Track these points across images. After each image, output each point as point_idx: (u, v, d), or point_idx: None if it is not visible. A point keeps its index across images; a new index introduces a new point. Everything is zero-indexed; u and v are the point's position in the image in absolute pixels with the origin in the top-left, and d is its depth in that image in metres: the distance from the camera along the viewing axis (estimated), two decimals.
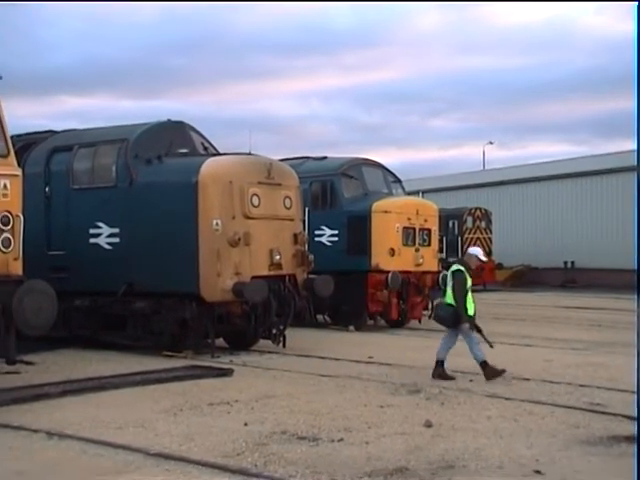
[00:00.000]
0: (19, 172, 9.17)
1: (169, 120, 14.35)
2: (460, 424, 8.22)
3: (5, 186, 8.79)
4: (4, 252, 8.80)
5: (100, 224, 13.66)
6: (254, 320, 13.43)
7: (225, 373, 11.31)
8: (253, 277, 12.97)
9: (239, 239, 12.82)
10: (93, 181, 13.95)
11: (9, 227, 8.84)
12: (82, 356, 13.07)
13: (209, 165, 13.00)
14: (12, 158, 9.21)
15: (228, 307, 13.06)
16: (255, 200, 13.15)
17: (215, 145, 14.63)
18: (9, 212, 8.81)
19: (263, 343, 14.06)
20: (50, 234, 14.20)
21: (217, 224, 12.75)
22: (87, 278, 13.63)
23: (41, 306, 8.64)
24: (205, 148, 14.24)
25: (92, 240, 13.74)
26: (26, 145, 14.60)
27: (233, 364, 12.22)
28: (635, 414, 7.53)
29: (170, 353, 12.92)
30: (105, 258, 13.55)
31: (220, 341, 13.79)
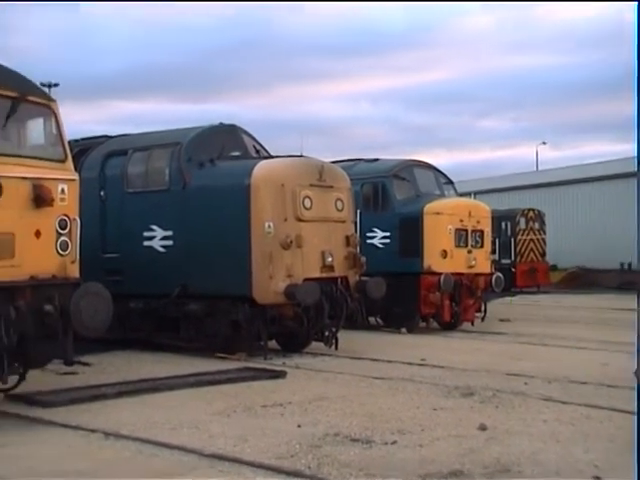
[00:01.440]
0: (76, 177, 9.30)
1: (221, 123, 14.46)
2: (515, 428, 8.13)
3: (63, 190, 8.91)
4: (62, 255, 8.93)
5: (154, 227, 13.82)
6: (306, 322, 13.45)
7: (278, 375, 11.35)
8: (305, 279, 13.00)
9: (291, 241, 12.87)
10: (147, 185, 14.13)
11: (66, 231, 8.96)
12: (137, 357, 13.23)
13: (261, 168, 13.07)
14: (70, 163, 9.36)
15: (280, 309, 13.11)
16: (307, 202, 13.18)
17: (266, 148, 14.70)
18: (67, 216, 8.94)
19: (315, 345, 14.07)
20: (105, 237, 14.41)
21: (269, 227, 12.81)
22: (141, 281, 13.80)
23: (97, 308, 8.74)
24: (257, 151, 14.32)
25: (146, 243, 13.91)
26: (82, 150, 14.83)
27: (286, 366, 12.25)
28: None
29: (223, 355, 13.02)
30: (159, 261, 13.71)
31: (272, 343, 13.84)
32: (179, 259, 13.45)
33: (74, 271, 9.12)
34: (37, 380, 9.93)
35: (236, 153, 13.93)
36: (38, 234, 8.68)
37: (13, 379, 8.88)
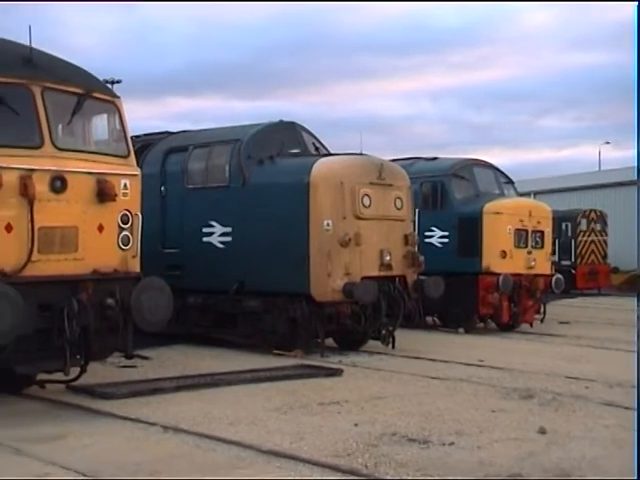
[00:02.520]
0: (138, 172, 9.41)
1: (281, 121, 14.50)
2: (576, 432, 7.99)
3: (125, 185, 9.03)
4: (123, 250, 9.04)
5: (213, 223, 13.93)
6: (364, 320, 13.42)
7: (335, 373, 11.34)
8: (363, 278, 12.97)
9: (350, 239, 12.85)
10: (207, 181, 14.24)
11: (128, 225, 9.07)
12: (195, 352, 13.35)
13: (320, 165, 13.07)
14: (132, 159, 9.47)
15: (338, 307, 13.09)
16: (366, 200, 13.15)
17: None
18: (128, 211, 9.05)
19: (372, 344, 14.03)
20: (165, 233, 14.57)
21: (328, 224, 12.81)
22: (200, 276, 13.92)
23: (158, 303, 8.83)
24: (316, 148, 14.33)
25: (205, 239, 14.03)
26: (144, 146, 15.02)
27: (342, 364, 12.24)
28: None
29: (280, 352, 13.06)
30: (217, 257, 13.81)
31: (329, 341, 13.84)
32: (237, 255, 13.52)
33: (135, 266, 9.23)
34: (97, 372, 10.09)
35: (296, 150, 13.96)
36: (101, 228, 8.81)
37: (74, 371, 9.02)
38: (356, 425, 8.12)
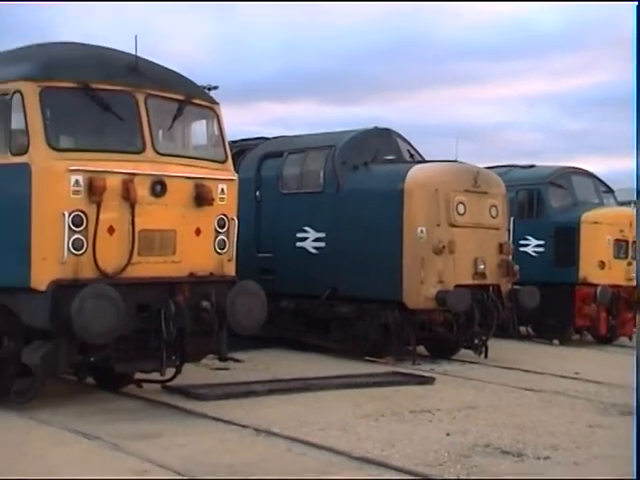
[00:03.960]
0: (235, 177, 9.55)
1: (376, 127, 14.49)
2: None
3: (222, 190, 9.16)
4: (219, 253, 9.19)
5: (307, 228, 14.02)
6: (456, 329, 13.29)
7: (426, 381, 11.26)
8: (456, 286, 12.85)
9: (443, 247, 12.75)
10: (301, 186, 14.35)
11: (225, 229, 9.21)
12: (286, 356, 13.45)
13: (415, 172, 13.02)
14: (230, 164, 9.63)
15: (430, 315, 13.01)
16: (461, 208, 13.03)
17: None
18: (225, 215, 9.19)
19: (464, 353, 13.88)
20: (259, 237, 14.73)
21: (422, 232, 12.74)
22: (293, 281, 14.01)
23: (252, 307, 8.93)
24: (411, 155, 14.28)
25: (299, 244, 14.13)
26: (240, 151, 15.22)
27: (434, 372, 12.14)
28: None
29: (371, 358, 13.04)
30: (310, 262, 13.89)
31: (421, 349, 13.75)
32: (331, 261, 13.57)
33: (230, 269, 9.36)
34: (192, 374, 10.26)
35: (390, 157, 13.93)
36: (198, 232, 8.97)
37: (170, 371, 9.21)
38: (448, 435, 8.04)
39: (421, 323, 13.07)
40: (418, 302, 12.73)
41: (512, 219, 16.49)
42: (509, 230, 15.25)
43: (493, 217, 13.59)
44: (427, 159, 14.25)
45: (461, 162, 13.84)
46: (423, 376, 11.62)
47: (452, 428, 8.34)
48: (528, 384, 11.35)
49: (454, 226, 12.97)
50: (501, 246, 13.73)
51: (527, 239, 17.78)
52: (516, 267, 13.90)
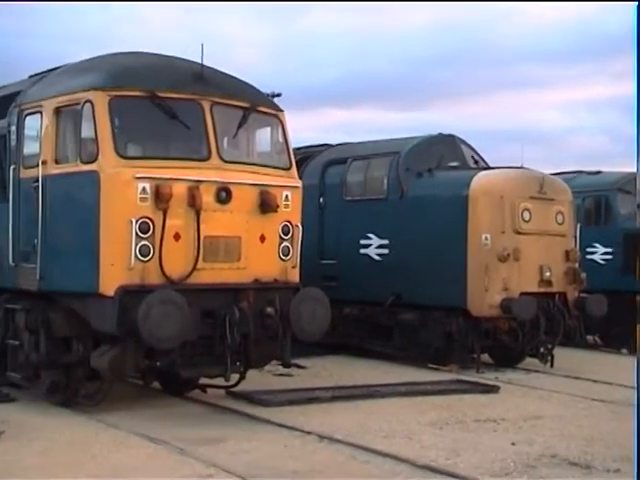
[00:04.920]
0: (300, 184, 9.59)
1: (440, 134, 14.43)
2: None
3: (287, 197, 9.21)
4: (283, 260, 9.23)
5: (370, 235, 14.01)
6: (521, 337, 13.10)
7: (491, 389, 11.14)
8: (521, 293, 12.68)
9: (508, 254, 12.61)
10: (365, 193, 14.35)
11: (289, 236, 9.25)
12: (349, 363, 13.45)
13: (480, 179, 12.91)
14: (294, 171, 9.67)
15: (495, 323, 12.86)
16: (526, 215, 12.87)
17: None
18: (289, 222, 9.23)
19: (529, 361, 13.68)
20: (323, 244, 14.76)
21: (486, 239, 12.62)
22: (356, 288, 14.01)
23: (316, 314, 8.94)
24: (475, 162, 14.17)
25: (362, 251, 14.12)
26: (304, 158, 15.29)
27: (498, 381, 12.00)
28: None
29: (435, 366, 12.95)
30: (374, 269, 13.86)
31: (485, 357, 13.60)
32: (394, 268, 13.53)
33: (294, 276, 9.40)
34: (255, 380, 10.33)
35: (454, 163, 13.84)
36: (262, 239, 9.03)
37: (234, 377, 9.26)
38: (513, 444, 7.94)
39: (485, 331, 12.92)
40: (482, 309, 12.60)
41: (579, 226, 16.23)
42: (576, 237, 15.00)
43: (559, 224, 13.40)
44: (492, 165, 14.12)
45: (527, 168, 13.67)
46: (487, 384, 11.49)
47: (518, 438, 8.23)
48: (596, 394, 11.13)
49: (519, 233, 12.81)
50: (567, 253, 13.52)
51: (594, 246, 17.46)
52: (583, 275, 13.68)
